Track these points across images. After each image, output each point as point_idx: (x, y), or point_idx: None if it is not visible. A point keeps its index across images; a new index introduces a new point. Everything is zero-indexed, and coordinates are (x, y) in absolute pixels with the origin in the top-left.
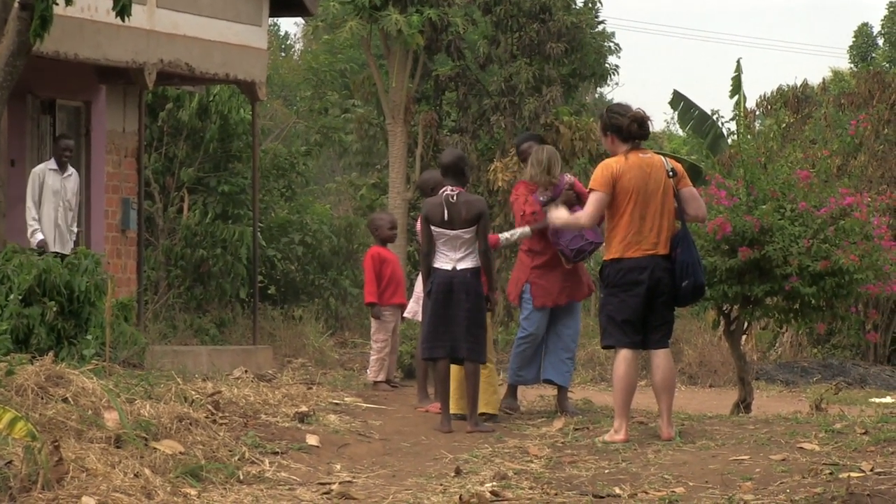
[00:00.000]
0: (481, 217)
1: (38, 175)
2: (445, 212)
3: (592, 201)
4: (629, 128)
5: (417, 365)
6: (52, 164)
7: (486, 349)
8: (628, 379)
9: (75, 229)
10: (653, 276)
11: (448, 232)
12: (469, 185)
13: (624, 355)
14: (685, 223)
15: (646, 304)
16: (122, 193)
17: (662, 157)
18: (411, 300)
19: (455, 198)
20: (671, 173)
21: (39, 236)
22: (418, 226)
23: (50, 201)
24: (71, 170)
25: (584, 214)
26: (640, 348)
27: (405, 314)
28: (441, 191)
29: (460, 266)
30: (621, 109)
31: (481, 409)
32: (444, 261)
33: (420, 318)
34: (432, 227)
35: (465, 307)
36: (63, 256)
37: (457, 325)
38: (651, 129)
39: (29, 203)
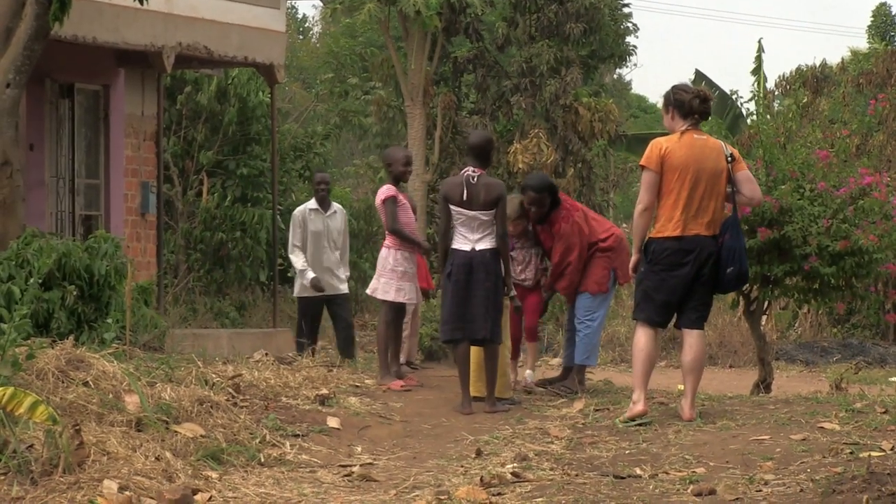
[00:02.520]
0: (500, 200)
1: (298, 217)
2: (465, 192)
3: (643, 181)
4: (691, 103)
5: (379, 340)
6: (311, 203)
7: (501, 330)
8: (648, 350)
9: (342, 274)
10: (698, 258)
11: (466, 212)
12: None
13: (645, 328)
14: (737, 209)
15: (687, 284)
16: (141, 177)
17: (721, 142)
18: (374, 277)
19: (476, 179)
20: (730, 158)
21: (310, 274)
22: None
23: (313, 243)
24: (335, 207)
25: (640, 198)
26: (664, 328)
27: (367, 290)
28: (462, 171)
29: (479, 247)
30: (686, 87)
31: None
32: (463, 242)
33: (380, 296)
34: (451, 207)
35: (484, 286)
36: (333, 298)
37: (476, 307)
38: (711, 110)
39: (291, 247)
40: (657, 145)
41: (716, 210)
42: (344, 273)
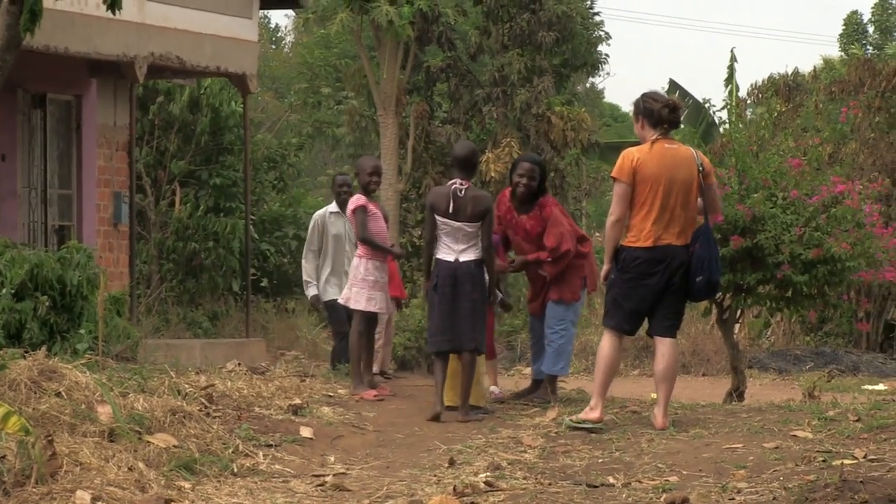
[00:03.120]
0: (487, 213)
1: (318, 221)
2: (451, 203)
3: (615, 193)
4: (660, 112)
5: (351, 349)
6: (332, 206)
7: (485, 339)
8: (611, 358)
9: None
10: (669, 268)
11: (452, 223)
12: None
13: (612, 335)
14: (708, 218)
15: (657, 293)
16: (113, 187)
17: (693, 151)
18: (346, 287)
19: (463, 192)
20: (701, 168)
21: (312, 291)
22: None
23: (333, 246)
24: None
25: (611, 209)
26: (632, 335)
27: (339, 299)
28: (450, 182)
29: (463, 258)
30: (655, 95)
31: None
32: (447, 252)
33: (352, 305)
34: (436, 217)
35: (471, 297)
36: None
37: (463, 318)
38: (681, 119)
39: (306, 251)
40: (629, 157)
41: (687, 219)
42: None
